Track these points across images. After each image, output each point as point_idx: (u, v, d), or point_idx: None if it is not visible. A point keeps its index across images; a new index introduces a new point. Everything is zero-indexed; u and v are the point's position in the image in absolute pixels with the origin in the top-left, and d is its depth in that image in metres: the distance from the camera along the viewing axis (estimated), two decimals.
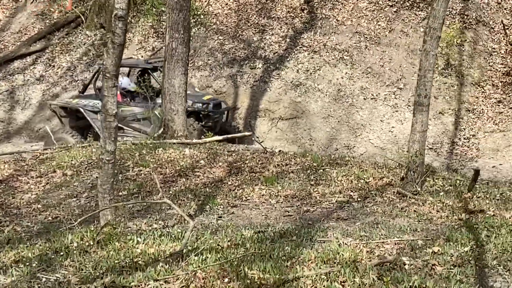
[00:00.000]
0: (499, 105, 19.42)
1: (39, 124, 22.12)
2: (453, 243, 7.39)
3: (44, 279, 6.31)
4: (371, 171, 11.55)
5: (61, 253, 7.07)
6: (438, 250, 7.10)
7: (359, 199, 10.04)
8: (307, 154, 13.36)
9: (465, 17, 21.33)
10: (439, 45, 10.99)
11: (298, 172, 11.74)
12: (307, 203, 9.91)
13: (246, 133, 17.31)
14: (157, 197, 9.65)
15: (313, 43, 21.79)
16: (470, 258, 6.92)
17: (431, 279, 6.27)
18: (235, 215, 9.40)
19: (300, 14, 22.88)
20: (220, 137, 15.11)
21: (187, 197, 10.25)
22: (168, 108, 15.36)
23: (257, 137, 18.41)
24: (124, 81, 18.35)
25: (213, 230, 8.22)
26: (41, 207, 10.16)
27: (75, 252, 7.06)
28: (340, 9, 22.56)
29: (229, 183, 11.13)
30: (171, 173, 11.76)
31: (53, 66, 24.25)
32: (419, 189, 10.24)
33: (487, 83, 20.02)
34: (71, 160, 12.72)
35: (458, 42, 20.58)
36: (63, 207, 10.15)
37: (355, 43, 21.47)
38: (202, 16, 23.62)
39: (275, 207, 9.80)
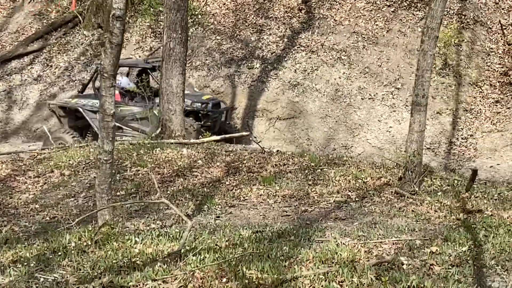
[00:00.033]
0: (496, 105, 19.43)
1: (37, 124, 22.12)
2: (451, 243, 7.39)
3: (42, 279, 6.30)
4: (369, 171, 11.56)
5: (59, 253, 7.05)
6: (436, 250, 7.10)
7: (357, 199, 10.04)
8: (305, 154, 13.36)
9: (463, 17, 21.35)
10: (437, 45, 11.00)
11: (296, 172, 11.75)
12: (305, 203, 9.92)
13: (244, 133, 17.33)
14: (155, 197, 9.65)
15: (311, 43, 21.80)
16: (468, 258, 6.92)
17: (429, 279, 6.27)
18: (233, 215, 9.40)
19: (297, 14, 22.88)
20: (218, 137, 15.11)
21: (185, 197, 10.24)
22: (165, 108, 15.36)
23: (255, 137, 18.43)
24: (123, 81, 18.34)
25: (211, 230, 8.22)
26: (38, 207, 10.15)
27: (73, 252, 7.04)
28: (338, 9, 22.57)
29: (227, 183, 11.13)
30: (169, 173, 11.76)
31: (51, 66, 24.24)
32: (417, 189, 10.24)
33: (484, 83, 20.03)
34: (69, 160, 12.71)
35: (455, 42, 20.59)
36: (61, 207, 10.15)
37: (352, 43, 21.47)
38: (199, 16, 23.62)
39: (273, 207, 9.81)
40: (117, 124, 17.28)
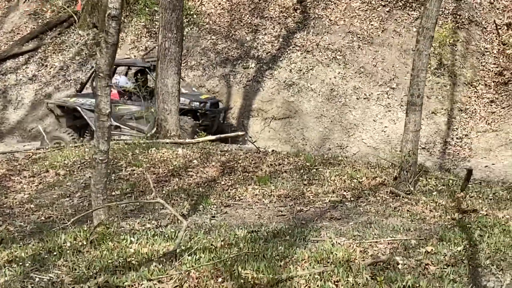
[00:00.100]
0: (491, 105, 19.46)
1: (32, 123, 22.10)
2: (446, 243, 7.40)
3: (37, 279, 6.30)
4: (364, 170, 11.57)
5: (54, 253, 7.05)
6: (431, 249, 7.11)
7: (352, 199, 10.05)
8: (300, 154, 13.38)
9: (458, 17, 21.37)
10: (432, 45, 10.99)
11: (291, 171, 11.75)
12: (300, 203, 9.92)
13: (239, 133, 17.33)
14: (150, 196, 9.65)
15: (306, 42, 21.80)
16: (463, 258, 6.93)
17: (424, 278, 6.28)
18: (228, 215, 9.40)
19: (293, 14, 22.88)
20: (213, 137, 15.13)
21: (180, 197, 10.24)
22: (161, 108, 15.35)
23: (250, 137, 18.43)
24: (122, 80, 18.35)
25: (207, 229, 8.22)
26: (34, 207, 10.15)
27: (68, 252, 7.04)
28: (333, 9, 22.58)
29: (222, 182, 11.14)
30: (164, 172, 11.75)
31: (46, 65, 24.21)
32: (412, 188, 10.25)
33: (479, 83, 20.06)
34: (64, 160, 12.70)
35: (450, 42, 20.62)
36: (56, 207, 10.14)
37: (348, 43, 21.48)
38: (195, 16, 23.61)
39: (268, 207, 9.81)
40: (116, 123, 17.35)
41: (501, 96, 19.52)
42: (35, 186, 11.49)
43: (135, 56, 22.89)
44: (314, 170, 11.78)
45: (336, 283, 6.11)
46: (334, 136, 19.37)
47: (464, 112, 19.42)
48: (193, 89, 19.44)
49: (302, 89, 20.51)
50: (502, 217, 8.72)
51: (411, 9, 21.83)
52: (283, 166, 12.14)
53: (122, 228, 8.31)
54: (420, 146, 14.84)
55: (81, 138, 17.62)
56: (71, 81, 23.11)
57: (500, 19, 21.15)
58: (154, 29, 23.38)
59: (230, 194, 10.40)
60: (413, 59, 10.61)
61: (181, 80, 16.43)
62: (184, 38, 17.77)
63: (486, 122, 19.00)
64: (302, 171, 11.75)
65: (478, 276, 6.50)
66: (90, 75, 19.16)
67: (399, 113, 19.05)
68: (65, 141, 16.72)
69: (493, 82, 19.93)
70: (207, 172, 11.80)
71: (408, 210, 9.33)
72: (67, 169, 12.18)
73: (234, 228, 8.22)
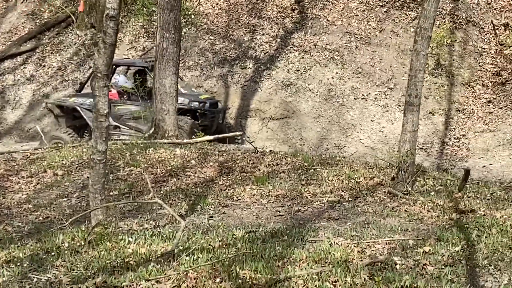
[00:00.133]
0: (489, 105, 19.48)
1: (30, 124, 22.09)
2: (444, 243, 7.40)
3: (35, 279, 6.29)
4: (361, 171, 11.58)
5: (52, 253, 7.04)
6: (429, 249, 7.11)
7: (350, 199, 10.05)
8: (298, 154, 13.39)
9: (455, 17, 21.39)
10: (430, 45, 11.01)
11: (289, 172, 11.76)
12: (298, 203, 9.92)
13: (237, 133, 17.35)
14: (148, 197, 9.65)
15: (304, 43, 21.81)
16: (461, 258, 6.93)
17: (422, 278, 6.29)
18: (226, 215, 9.40)
19: (290, 14, 22.89)
20: (211, 137, 15.13)
21: (178, 197, 10.24)
22: (159, 108, 15.35)
23: (248, 137, 18.44)
24: (121, 79, 18.35)
25: (204, 230, 8.22)
26: (32, 207, 10.14)
27: (66, 252, 7.04)
28: (331, 9, 22.59)
29: (220, 183, 11.13)
30: (162, 173, 11.75)
31: (44, 66, 24.20)
32: (409, 189, 10.26)
33: (477, 83, 20.08)
34: (62, 160, 12.69)
35: (448, 42, 20.63)
36: (54, 207, 10.13)
37: (345, 43, 21.49)
38: (193, 16, 23.61)
39: (266, 207, 9.81)
40: (115, 123, 17.35)
41: (499, 96, 19.54)
42: (33, 186, 11.48)
43: (133, 56, 22.89)
44: (312, 170, 11.78)
45: (334, 283, 6.11)
46: (332, 136, 19.38)
47: (462, 112, 19.44)
48: (192, 89, 19.44)
49: (300, 89, 20.52)
50: (500, 217, 8.72)
51: (408, 10, 21.85)
52: (281, 166, 12.14)
53: (120, 228, 8.30)
54: (417, 146, 14.88)
55: (80, 138, 17.61)
56: (69, 81, 23.11)
57: (498, 19, 21.17)
58: (152, 30, 23.38)
59: (228, 194, 10.40)
60: (411, 59, 10.62)
61: (180, 80, 16.43)
62: (182, 38, 17.77)
63: (484, 122, 19.02)
64: (300, 171, 11.76)
65: (476, 276, 6.50)
66: (90, 75, 19.16)
67: (397, 113, 19.06)
68: (65, 141, 16.74)
69: (491, 82, 19.95)
70: (205, 172, 11.80)
71: (406, 210, 9.33)
72: (65, 169, 12.18)
73: (232, 228, 8.22)
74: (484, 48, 20.79)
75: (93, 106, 8.24)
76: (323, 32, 21.95)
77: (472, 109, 19.48)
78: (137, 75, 18.38)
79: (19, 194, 10.98)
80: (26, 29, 25.74)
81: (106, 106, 8.05)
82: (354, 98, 20.05)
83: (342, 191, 10.49)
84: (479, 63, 20.52)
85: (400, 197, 9.98)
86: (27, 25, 25.94)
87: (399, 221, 8.79)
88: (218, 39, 22.85)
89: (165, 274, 6.20)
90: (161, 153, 12.84)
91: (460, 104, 19.63)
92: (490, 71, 20.22)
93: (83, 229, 7.89)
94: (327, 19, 22.28)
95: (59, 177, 11.80)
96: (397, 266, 6.58)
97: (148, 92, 17.38)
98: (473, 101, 19.71)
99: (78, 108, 18.03)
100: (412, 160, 10.48)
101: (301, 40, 21.91)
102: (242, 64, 21.83)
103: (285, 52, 21.75)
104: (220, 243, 7.36)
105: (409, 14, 21.72)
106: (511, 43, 20.21)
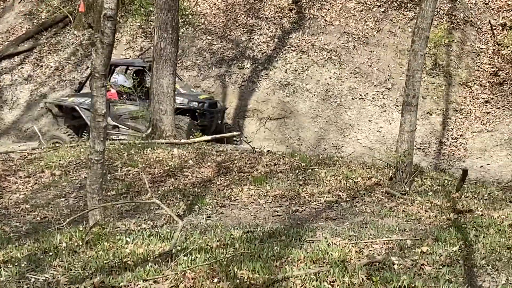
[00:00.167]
0: (486, 105, 19.50)
1: (27, 124, 22.08)
2: (441, 243, 7.40)
3: (33, 279, 6.29)
4: (359, 171, 11.58)
5: (50, 253, 7.04)
6: (427, 250, 7.11)
7: (347, 199, 10.05)
8: (296, 154, 13.39)
9: (453, 17, 21.41)
10: (427, 45, 11.01)
11: (287, 172, 11.75)
12: (296, 203, 9.92)
13: (235, 133, 17.35)
14: (146, 197, 9.65)
15: (301, 43, 21.81)
16: (459, 258, 6.93)
17: (420, 278, 6.28)
18: (224, 215, 9.40)
19: (288, 14, 22.90)
20: (209, 137, 15.12)
21: (175, 197, 10.24)
22: (156, 108, 15.35)
23: (246, 137, 18.43)
24: (120, 79, 18.32)
25: (202, 230, 8.21)
26: (29, 207, 10.13)
27: (64, 252, 7.03)
28: (328, 9, 22.59)
29: (218, 183, 11.13)
30: (159, 173, 11.75)
31: (41, 66, 24.20)
32: (407, 189, 10.26)
33: (474, 83, 20.10)
34: (60, 160, 12.69)
35: (446, 42, 20.65)
36: (51, 207, 10.13)
37: (343, 43, 21.50)
38: (190, 16, 23.61)
39: (264, 207, 9.81)
40: (114, 123, 17.34)
41: (496, 96, 19.56)
42: (31, 186, 11.47)
43: (130, 56, 22.88)
44: (310, 170, 11.78)
45: (331, 283, 6.11)
46: (329, 136, 19.38)
47: (459, 113, 19.46)
48: (191, 89, 19.44)
49: (297, 90, 20.52)
50: (498, 217, 8.72)
51: (406, 10, 21.86)
52: (279, 167, 12.14)
53: (118, 229, 8.29)
54: (415, 146, 14.90)
55: (79, 138, 17.59)
56: (66, 81, 23.10)
57: (495, 19, 21.19)
58: (150, 30, 23.38)
59: (226, 194, 10.39)
60: (409, 60, 10.62)
61: (179, 80, 16.41)
62: (179, 38, 17.77)
63: (481, 122, 19.03)
64: (297, 171, 11.76)
65: (474, 276, 6.50)
66: (88, 74, 19.14)
67: (395, 113, 19.07)
68: (64, 141, 16.73)
69: (488, 82, 19.97)
70: (202, 172, 11.80)
71: (403, 210, 9.33)
72: (63, 170, 12.17)
73: (229, 229, 8.22)
74: (481, 48, 20.81)
75: (91, 106, 8.24)
76: (320, 32, 21.95)
77: (470, 109, 19.50)
78: (135, 75, 18.36)
79: (16, 194, 10.97)
80: (23, 29, 25.73)
81: (104, 106, 8.05)
82: (352, 98, 20.05)
83: (340, 191, 10.48)
84: (476, 63, 20.55)
85: (398, 197, 9.98)
86: (24, 25, 25.93)
87: (397, 221, 8.79)
88: (216, 39, 22.85)
89: (163, 274, 6.19)
90: (158, 153, 12.84)
91: (457, 104, 19.65)
92: (487, 71, 20.24)
93: (81, 229, 7.89)
94: (324, 19, 22.28)
95: (56, 177, 11.80)
96: (395, 266, 6.58)
97: (147, 92, 17.36)
98: (470, 101, 19.72)
99: (77, 108, 18.02)
100: (409, 160, 10.49)
101: (299, 40, 21.92)
102: (240, 64, 21.83)
103: (282, 52, 21.75)
104: (218, 243, 7.36)
105: (407, 14, 21.73)
106: (508, 43, 20.23)
